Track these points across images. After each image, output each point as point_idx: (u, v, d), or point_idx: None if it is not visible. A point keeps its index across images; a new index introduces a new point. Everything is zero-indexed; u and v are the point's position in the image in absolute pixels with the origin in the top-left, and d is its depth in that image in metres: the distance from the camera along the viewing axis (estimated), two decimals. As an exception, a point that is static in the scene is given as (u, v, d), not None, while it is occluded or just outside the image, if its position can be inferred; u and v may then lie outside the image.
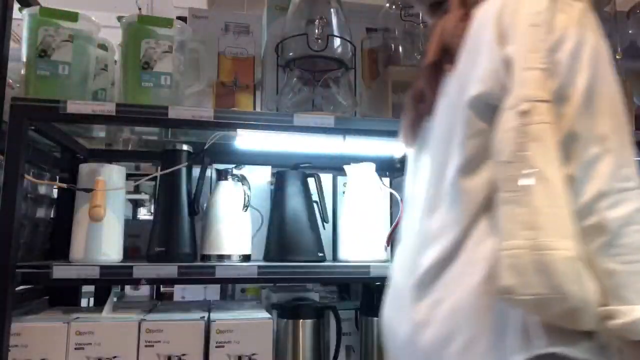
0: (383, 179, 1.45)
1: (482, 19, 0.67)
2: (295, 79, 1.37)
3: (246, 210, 1.29)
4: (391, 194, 1.42)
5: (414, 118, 0.80)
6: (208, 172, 1.34)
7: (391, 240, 1.39)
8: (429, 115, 0.76)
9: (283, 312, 1.30)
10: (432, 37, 0.76)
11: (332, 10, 1.35)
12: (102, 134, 1.48)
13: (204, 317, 1.19)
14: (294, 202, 1.34)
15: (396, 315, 0.75)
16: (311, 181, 1.39)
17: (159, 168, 1.30)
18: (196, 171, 1.29)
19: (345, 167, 1.41)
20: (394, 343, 0.75)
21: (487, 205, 0.64)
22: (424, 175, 0.75)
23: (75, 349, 1.10)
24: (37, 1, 1.43)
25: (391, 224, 1.40)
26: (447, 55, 0.71)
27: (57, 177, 1.47)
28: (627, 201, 0.57)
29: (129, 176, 1.27)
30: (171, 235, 1.23)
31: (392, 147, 1.43)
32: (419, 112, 0.79)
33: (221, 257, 1.25)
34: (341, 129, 1.23)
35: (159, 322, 1.15)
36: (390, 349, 0.78)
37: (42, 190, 1.39)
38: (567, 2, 0.62)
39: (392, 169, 1.72)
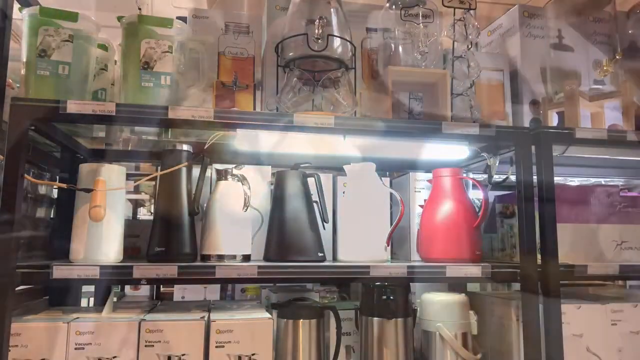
0: (383, 179, 1.45)
1: None
2: (295, 79, 1.37)
3: (246, 210, 1.29)
4: (391, 194, 1.42)
5: None
6: (208, 172, 1.34)
7: (391, 240, 1.39)
8: None
9: (283, 312, 1.30)
10: None
11: (332, 10, 1.35)
12: (102, 134, 1.48)
13: (204, 317, 1.19)
14: (294, 202, 1.34)
15: None
16: (311, 181, 1.39)
17: (159, 168, 1.30)
18: (196, 171, 1.29)
19: (345, 167, 1.41)
20: None
21: None
22: None
23: (75, 349, 1.10)
24: (37, 1, 1.43)
25: (391, 224, 1.40)
26: None
27: (57, 177, 1.47)
28: None
29: (129, 176, 1.27)
30: (171, 235, 1.23)
31: (392, 147, 1.43)
32: None
33: (221, 257, 1.25)
34: (341, 129, 1.23)
35: (159, 322, 1.15)
36: None
37: (42, 190, 1.40)
38: None
39: (392, 169, 1.72)
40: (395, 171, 1.73)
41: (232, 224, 1.27)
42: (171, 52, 1.22)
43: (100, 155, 1.57)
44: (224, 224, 1.26)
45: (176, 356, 1.13)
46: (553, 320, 1.24)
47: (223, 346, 1.16)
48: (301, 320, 1.28)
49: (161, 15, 1.31)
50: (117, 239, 1.20)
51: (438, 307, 1.35)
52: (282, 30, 1.37)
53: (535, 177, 1.29)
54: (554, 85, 1.54)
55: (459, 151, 1.45)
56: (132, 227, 1.39)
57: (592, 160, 1.62)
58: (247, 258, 1.28)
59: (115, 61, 1.47)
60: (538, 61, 1.60)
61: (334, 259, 1.42)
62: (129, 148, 1.60)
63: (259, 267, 1.17)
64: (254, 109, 1.37)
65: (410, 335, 1.34)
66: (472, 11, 1.45)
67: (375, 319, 1.32)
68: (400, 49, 1.45)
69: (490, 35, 1.78)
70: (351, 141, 1.33)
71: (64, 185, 1.29)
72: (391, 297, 1.32)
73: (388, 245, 1.37)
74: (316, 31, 1.30)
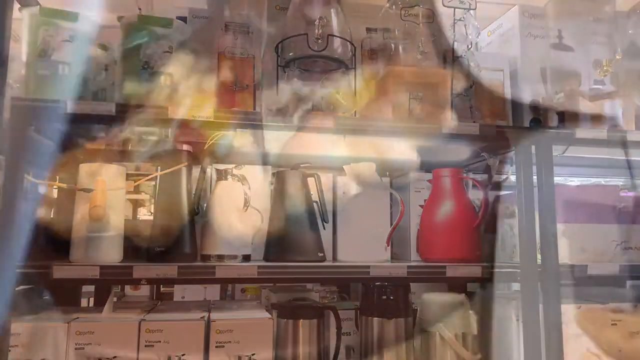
0: (383, 179, 1.45)
1: None
2: (295, 79, 1.37)
3: (246, 210, 1.29)
4: (391, 194, 1.42)
5: None
6: (208, 172, 1.34)
7: (391, 240, 1.39)
8: None
9: (283, 312, 1.30)
10: None
11: (332, 10, 1.35)
12: (102, 134, 1.48)
13: (204, 317, 1.19)
14: (294, 202, 1.34)
15: None
16: (311, 181, 1.39)
17: (159, 168, 1.30)
18: (196, 171, 1.29)
19: (345, 167, 1.41)
20: None
21: None
22: None
23: (75, 349, 1.10)
24: (37, 1, 1.43)
25: (391, 224, 1.40)
26: None
27: (57, 177, 1.47)
28: None
29: (129, 176, 1.27)
30: (171, 235, 1.23)
31: (392, 147, 1.43)
32: None
33: (221, 257, 1.25)
34: (341, 129, 1.23)
35: (159, 322, 1.15)
36: None
37: (42, 190, 1.39)
38: None
39: (392, 169, 1.72)
40: (395, 171, 1.72)
41: (232, 224, 1.27)
42: (171, 52, 1.22)
43: (100, 155, 1.57)
44: (224, 224, 1.26)
45: (176, 356, 1.13)
46: (553, 320, 1.24)
47: (223, 346, 1.16)
48: (301, 320, 1.28)
49: (161, 15, 1.31)
50: (117, 239, 1.20)
51: (438, 307, 1.34)
52: (282, 30, 1.37)
53: (535, 177, 1.29)
54: (554, 85, 1.53)
55: (459, 151, 1.45)
56: (132, 227, 1.39)
57: (592, 160, 1.61)
58: (247, 258, 1.28)
59: (115, 61, 1.47)
60: (538, 61, 1.60)
61: (334, 259, 1.42)
62: (129, 148, 1.60)
63: (259, 267, 1.17)
64: (254, 109, 1.37)
65: (410, 335, 1.34)
66: (472, 11, 1.45)
67: (375, 319, 1.32)
68: (400, 49, 1.45)
69: (490, 35, 1.78)
70: (351, 141, 1.33)
71: (64, 185, 1.29)
72: (391, 297, 1.32)
73: (388, 246, 1.37)
74: (316, 31, 1.30)
